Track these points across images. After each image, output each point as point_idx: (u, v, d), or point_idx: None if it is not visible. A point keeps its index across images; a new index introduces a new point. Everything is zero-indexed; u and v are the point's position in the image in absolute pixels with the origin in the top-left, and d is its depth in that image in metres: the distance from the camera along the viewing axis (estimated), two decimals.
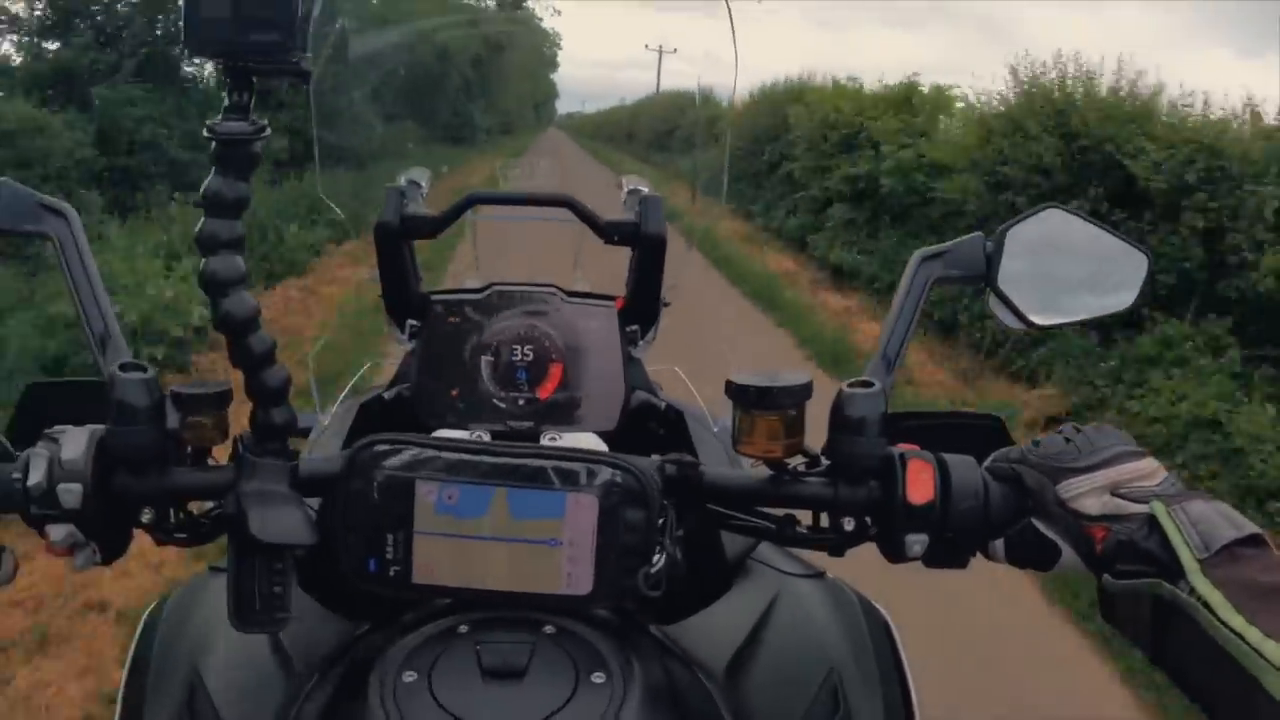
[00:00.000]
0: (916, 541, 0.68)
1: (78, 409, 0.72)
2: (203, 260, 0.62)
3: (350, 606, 0.80)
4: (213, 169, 0.61)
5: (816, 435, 0.72)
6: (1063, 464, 0.67)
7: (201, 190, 0.61)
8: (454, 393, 0.89)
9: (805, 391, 0.70)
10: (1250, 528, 0.59)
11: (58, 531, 0.67)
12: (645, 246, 0.97)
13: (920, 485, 0.68)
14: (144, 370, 0.69)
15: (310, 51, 0.61)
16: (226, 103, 0.61)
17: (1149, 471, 0.66)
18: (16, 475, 0.67)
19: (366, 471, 0.65)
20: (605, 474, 0.65)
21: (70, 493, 0.66)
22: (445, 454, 0.66)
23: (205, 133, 0.60)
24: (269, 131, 0.62)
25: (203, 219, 0.62)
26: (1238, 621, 0.54)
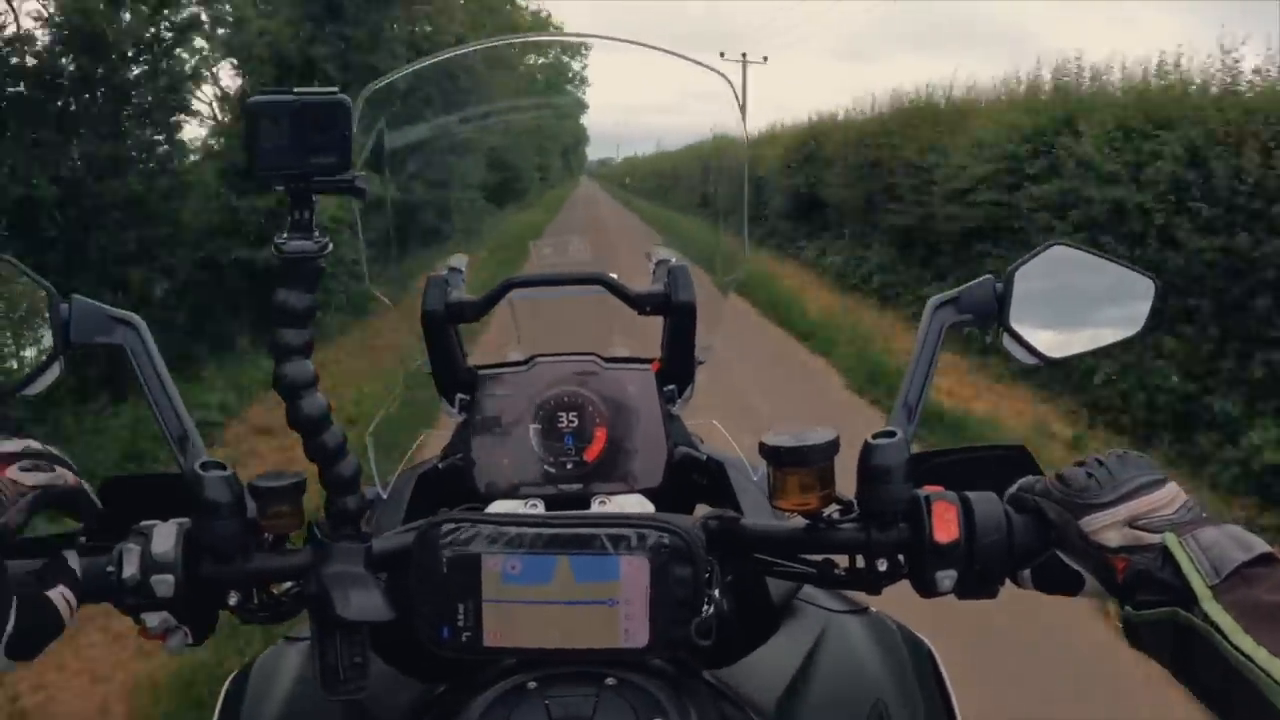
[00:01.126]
0: (946, 577, 0.73)
1: (156, 501, 0.78)
2: (276, 366, 0.69)
3: (424, 669, 0.86)
4: (282, 283, 0.68)
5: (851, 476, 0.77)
6: (1085, 499, 0.70)
7: (272, 303, 0.68)
8: (505, 461, 0.94)
9: (833, 447, 0.74)
10: (1260, 548, 0.63)
11: (153, 619, 0.74)
12: (676, 314, 1.02)
13: (945, 525, 0.72)
14: (224, 468, 0.75)
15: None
16: (290, 221, 0.67)
17: (1168, 500, 0.69)
18: (111, 568, 0.73)
19: (435, 549, 0.71)
20: (653, 536, 0.70)
21: (163, 583, 0.72)
22: (506, 528, 0.71)
23: (273, 250, 0.67)
24: (331, 247, 0.68)
25: (275, 329, 0.68)
26: (1247, 643, 0.58)
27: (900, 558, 0.75)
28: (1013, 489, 0.76)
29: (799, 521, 0.77)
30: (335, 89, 0.65)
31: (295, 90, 0.65)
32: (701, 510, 1.02)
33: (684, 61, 0.99)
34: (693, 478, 0.99)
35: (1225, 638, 0.59)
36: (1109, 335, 0.92)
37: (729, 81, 0.97)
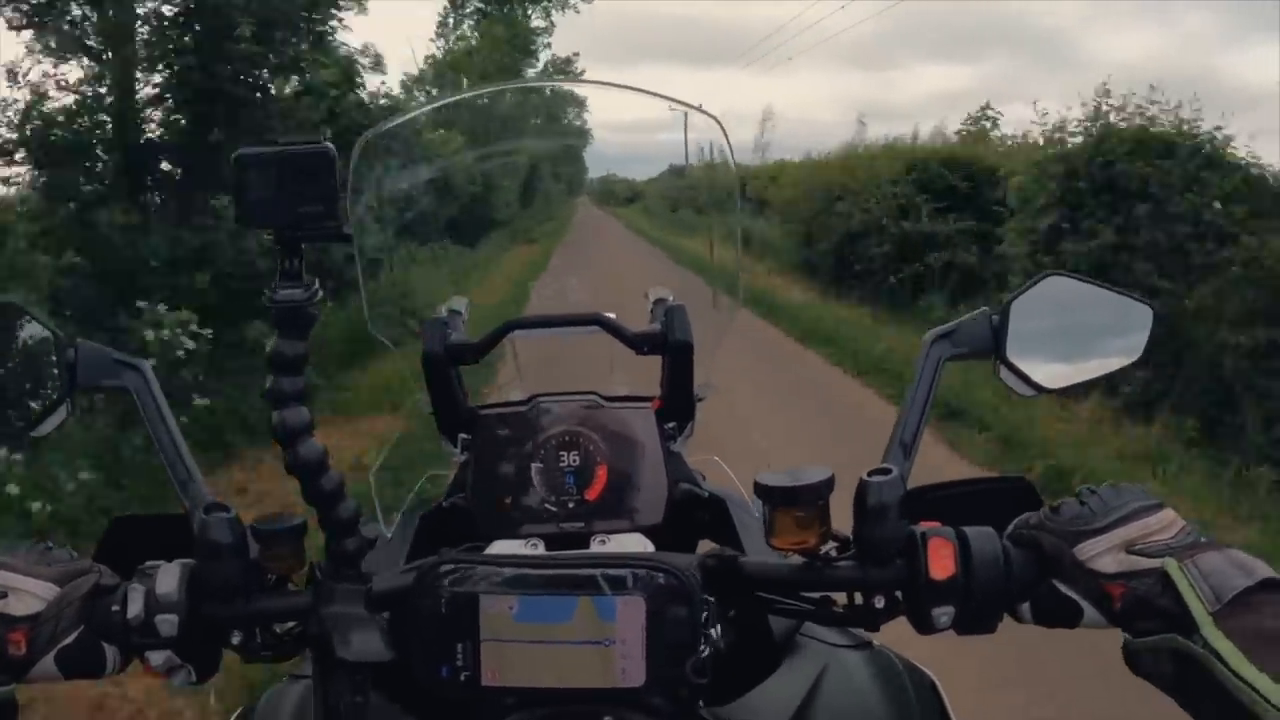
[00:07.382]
0: (943, 613, 0.73)
1: (160, 541, 0.79)
2: (273, 413, 0.70)
3: (425, 708, 0.86)
4: (275, 332, 0.69)
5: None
6: (1078, 526, 0.70)
7: (266, 351, 0.69)
8: (507, 501, 0.94)
9: (827, 486, 0.74)
10: (1263, 573, 0.62)
11: (157, 657, 0.75)
12: (674, 353, 1.02)
13: (941, 561, 0.72)
14: (227, 510, 0.76)
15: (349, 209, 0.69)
16: (280, 270, 0.69)
17: (1164, 525, 0.68)
18: (116, 608, 0.74)
19: (433, 590, 0.72)
20: (649, 576, 0.71)
21: (167, 623, 0.73)
22: (504, 570, 0.72)
23: (265, 301, 0.69)
24: (321, 294, 0.69)
25: (270, 377, 0.69)
26: (1248, 671, 0.57)
27: (897, 594, 0.75)
28: (1011, 527, 0.76)
29: (797, 560, 0.77)
30: (320, 139, 0.67)
31: (281, 142, 0.67)
32: (704, 546, 1.02)
33: (675, 101, 1.00)
34: (694, 514, 0.99)
35: (1226, 665, 0.58)
36: (1108, 364, 0.92)
37: (718, 122, 0.98)
